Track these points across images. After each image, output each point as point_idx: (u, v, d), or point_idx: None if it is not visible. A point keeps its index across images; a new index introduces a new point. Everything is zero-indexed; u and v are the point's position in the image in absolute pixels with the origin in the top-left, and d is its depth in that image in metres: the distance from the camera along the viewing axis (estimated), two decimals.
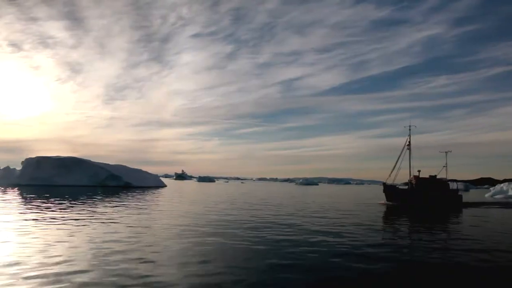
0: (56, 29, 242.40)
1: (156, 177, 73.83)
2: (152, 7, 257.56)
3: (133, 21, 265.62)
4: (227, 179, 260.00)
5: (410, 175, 39.92)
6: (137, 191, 46.24)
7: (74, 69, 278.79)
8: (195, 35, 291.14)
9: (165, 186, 71.70)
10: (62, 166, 54.31)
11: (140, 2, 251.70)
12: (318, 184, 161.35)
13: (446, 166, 43.62)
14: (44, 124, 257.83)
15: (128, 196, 36.40)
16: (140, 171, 68.85)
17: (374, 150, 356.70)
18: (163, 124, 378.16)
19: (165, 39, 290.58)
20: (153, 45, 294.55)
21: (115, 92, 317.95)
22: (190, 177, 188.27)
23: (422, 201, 36.90)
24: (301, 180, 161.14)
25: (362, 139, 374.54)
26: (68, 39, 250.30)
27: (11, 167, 53.95)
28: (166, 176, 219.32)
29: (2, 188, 40.31)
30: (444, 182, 40.61)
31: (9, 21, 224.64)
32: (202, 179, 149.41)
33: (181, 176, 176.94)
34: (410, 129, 40.81)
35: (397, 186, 40.37)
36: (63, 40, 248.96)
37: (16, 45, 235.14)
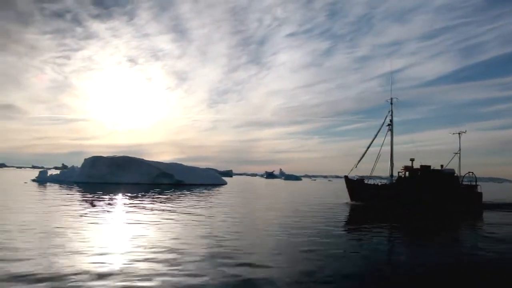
0: (164, 42, 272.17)
1: (213, 174, 72.95)
2: (248, 11, 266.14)
3: (231, 27, 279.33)
4: (324, 177, 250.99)
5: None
6: (190, 189, 45.35)
7: (181, 77, 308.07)
8: (291, 34, 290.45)
9: (225, 183, 70.28)
10: (115, 164, 57.17)
11: (236, 8, 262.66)
12: None
13: (460, 153, 31.69)
14: (158, 129, 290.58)
15: (181, 194, 36.22)
16: (196, 169, 68.74)
17: (492, 143, 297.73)
18: (263, 124, 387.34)
19: (262, 41, 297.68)
20: (251, 48, 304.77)
21: (218, 96, 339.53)
22: (282, 176, 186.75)
23: (411, 201, 27.81)
24: None
25: (477, 131, 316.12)
26: (175, 50, 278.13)
27: (75, 166, 59.25)
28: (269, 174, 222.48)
29: (65, 185, 44.79)
30: (449, 175, 29.76)
31: (126, 40, 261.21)
32: (288, 177, 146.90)
33: (271, 175, 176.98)
34: (391, 102, 31.85)
35: (364, 179, 30.96)
36: (170, 51, 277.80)
37: (132, 60, 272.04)
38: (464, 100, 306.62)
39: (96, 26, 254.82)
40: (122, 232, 13.65)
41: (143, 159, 61.15)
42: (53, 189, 37.52)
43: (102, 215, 18.00)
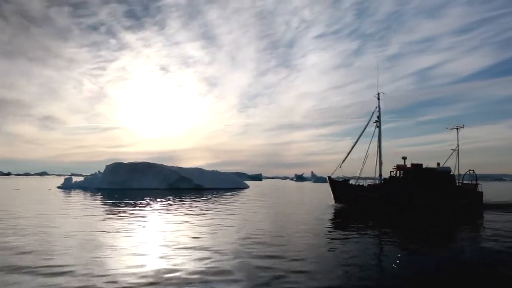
0: (194, 49, 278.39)
1: (234, 178, 72.37)
2: (275, 14, 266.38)
3: (259, 31, 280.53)
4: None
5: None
6: (206, 194, 45.18)
7: (211, 83, 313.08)
8: (319, 36, 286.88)
9: (246, 187, 69.64)
10: (134, 170, 58.09)
11: (263, 12, 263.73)
12: None
13: (458, 150, 29.45)
14: (190, 135, 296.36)
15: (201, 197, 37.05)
16: (216, 173, 68.54)
17: None
18: (294, 127, 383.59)
19: (290, 44, 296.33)
20: (279, 51, 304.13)
21: (248, 100, 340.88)
22: (312, 178, 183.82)
23: (399, 202, 26.01)
24: None
25: None
26: (205, 57, 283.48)
27: (98, 173, 60.84)
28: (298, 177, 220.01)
29: (88, 192, 46.29)
30: (444, 174, 27.60)
31: (158, 49, 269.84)
32: (318, 179, 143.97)
33: (301, 178, 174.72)
34: (378, 97, 29.61)
35: (349, 179, 28.97)
36: (200, 58, 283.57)
37: (164, 68, 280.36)
38: (502, 96, 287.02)
39: (129, 37, 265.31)
40: (164, 236, 13.77)
41: (162, 165, 61.76)
42: (78, 196, 38.43)
43: (136, 221, 18.11)
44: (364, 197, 27.09)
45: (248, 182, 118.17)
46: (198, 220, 18.47)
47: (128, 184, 56.45)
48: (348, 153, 29.27)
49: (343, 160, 28.84)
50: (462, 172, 29.47)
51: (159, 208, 25.43)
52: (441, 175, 27.57)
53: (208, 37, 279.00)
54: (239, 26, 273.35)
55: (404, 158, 28.38)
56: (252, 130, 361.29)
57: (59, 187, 56.45)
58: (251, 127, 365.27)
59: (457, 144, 29.79)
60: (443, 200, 26.19)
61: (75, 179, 65.81)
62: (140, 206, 26.20)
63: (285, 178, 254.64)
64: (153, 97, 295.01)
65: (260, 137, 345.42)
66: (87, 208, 24.51)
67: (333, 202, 28.89)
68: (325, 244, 12.57)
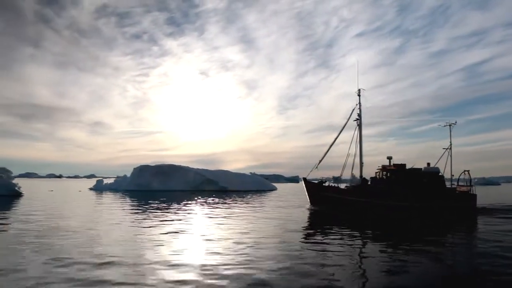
0: (233, 53, 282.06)
1: (260, 180, 71.12)
2: (314, 15, 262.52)
3: (297, 32, 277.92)
4: None
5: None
6: (230, 195, 45.10)
7: (250, 86, 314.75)
8: (359, 34, 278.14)
9: (274, 189, 68.25)
10: (160, 173, 58.94)
11: (302, 13, 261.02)
12: (500, 184, 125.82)
13: (450, 149, 27.52)
14: (230, 137, 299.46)
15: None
16: (242, 175, 67.75)
17: None
18: (334, 128, 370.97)
19: (330, 44, 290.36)
20: (318, 52, 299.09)
21: (288, 102, 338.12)
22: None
23: (379, 205, 23.91)
24: (476, 180, 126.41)
25: None
26: (243, 60, 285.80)
27: (127, 175, 62.51)
28: (335, 179, 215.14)
29: (118, 193, 48.07)
30: (430, 174, 25.56)
31: (198, 54, 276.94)
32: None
33: (337, 179, 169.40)
34: (359, 94, 28.11)
35: (324, 181, 27.15)
36: (239, 61, 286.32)
37: (204, 73, 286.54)
38: None
39: (170, 43, 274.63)
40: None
41: (188, 167, 62.15)
42: (109, 197, 39.81)
43: (174, 222, 18.40)
44: (339, 200, 25.31)
45: (284, 185, 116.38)
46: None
47: (153, 186, 57.37)
48: (325, 154, 27.69)
49: (320, 161, 27.22)
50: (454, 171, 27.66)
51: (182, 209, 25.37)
52: (428, 176, 25.48)
53: (246, 41, 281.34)
54: (277, 28, 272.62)
55: (389, 158, 26.40)
56: (292, 132, 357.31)
57: (90, 189, 58.72)
58: (290, 129, 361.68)
59: (450, 142, 27.84)
60: (429, 203, 24.11)
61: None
62: (167, 208, 26.27)
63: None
64: (193, 101, 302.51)
65: (300, 139, 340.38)
66: (122, 209, 25.74)
67: (309, 205, 27.25)
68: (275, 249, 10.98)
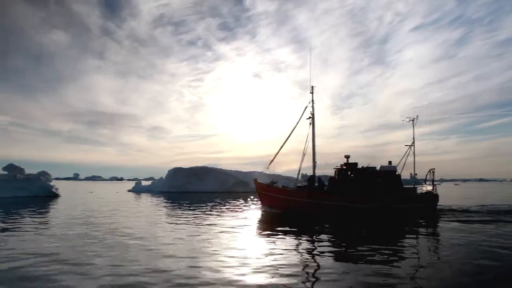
0: (285, 54, 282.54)
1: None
2: (367, 11, 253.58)
3: (350, 30, 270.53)
4: (464, 180, 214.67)
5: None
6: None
7: (303, 86, 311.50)
8: (416, 28, 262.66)
9: None
10: (193, 174, 59.97)
11: (354, 10, 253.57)
12: None
13: (414, 145, 26.37)
14: (284, 139, 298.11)
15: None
16: (276, 176, 66.45)
17: None
18: (391, 127, 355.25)
19: (384, 40, 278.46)
20: (373, 49, 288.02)
21: (342, 102, 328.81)
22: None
23: (325, 206, 22.42)
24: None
25: None
26: (296, 61, 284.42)
27: (163, 178, 64.49)
28: None
29: (155, 195, 50.33)
30: (385, 173, 23.91)
31: (250, 57, 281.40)
32: (407, 182, 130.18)
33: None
34: (312, 91, 27.30)
35: (275, 181, 25.67)
36: (292, 62, 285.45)
37: (257, 75, 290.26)
38: None
39: (223, 48, 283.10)
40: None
41: (220, 169, 62.51)
42: (146, 199, 41.56)
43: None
44: (285, 200, 23.82)
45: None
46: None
47: (186, 187, 58.55)
48: (277, 153, 26.06)
49: (271, 161, 25.56)
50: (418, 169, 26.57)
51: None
52: (382, 175, 23.93)
53: (298, 41, 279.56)
54: (329, 26, 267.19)
55: (347, 157, 24.97)
56: (347, 132, 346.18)
57: (129, 190, 61.63)
58: (345, 128, 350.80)
59: (413, 138, 26.35)
60: (381, 203, 22.59)
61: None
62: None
63: None
64: (247, 103, 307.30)
65: (356, 139, 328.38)
66: (169, 210, 27.12)
67: (259, 206, 26.40)
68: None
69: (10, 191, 38.91)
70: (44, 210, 25.85)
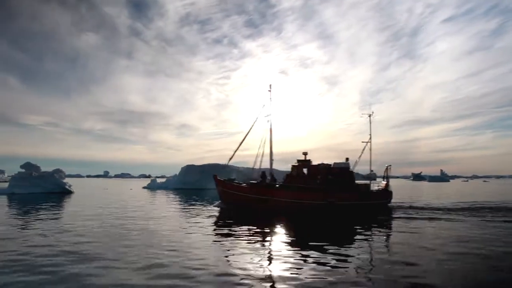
0: (311, 50, 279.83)
1: None
2: (395, 3, 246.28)
3: (378, 23, 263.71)
4: (498, 177, 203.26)
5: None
6: None
7: (331, 82, 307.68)
8: (448, 19, 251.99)
9: None
10: (204, 171, 60.70)
11: (382, 2, 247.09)
12: None
13: (370, 142, 26.36)
14: (313, 135, 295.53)
15: None
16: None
17: None
18: (422, 122, 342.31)
19: (414, 33, 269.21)
20: (402, 42, 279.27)
21: (370, 97, 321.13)
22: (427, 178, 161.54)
23: (272, 202, 22.58)
24: None
25: None
26: (323, 56, 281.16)
27: (177, 175, 65.71)
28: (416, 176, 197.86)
29: (170, 191, 52.60)
30: (338, 170, 23.82)
31: (276, 53, 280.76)
32: (433, 178, 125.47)
33: (418, 176, 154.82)
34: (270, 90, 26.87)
35: (234, 178, 26.69)
36: (318, 58, 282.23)
37: (284, 72, 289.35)
38: None
39: (249, 45, 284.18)
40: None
41: (232, 166, 62.76)
42: (162, 195, 43.05)
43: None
44: (239, 196, 24.07)
45: (359, 183, 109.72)
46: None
47: (199, 184, 59.43)
48: (235, 150, 26.25)
49: (230, 158, 26.03)
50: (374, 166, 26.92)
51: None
52: (334, 172, 23.83)
53: (325, 36, 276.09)
54: (356, 21, 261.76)
55: (305, 154, 24.71)
56: (376, 127, 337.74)
57: (144, 187, 63.35)
58: (374, 124, 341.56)
59: (370, 135, 26.25)
60: (331, 199, 22.61)
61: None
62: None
63: (406, 177, 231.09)
64: (274, 100, 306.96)
65: (385, 135, 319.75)
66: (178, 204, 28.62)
67: (218, 202, 26.88)
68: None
69: (26, 188, 41.07)
70: (50, 205, 27.09)
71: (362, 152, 26.19)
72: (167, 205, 28.97)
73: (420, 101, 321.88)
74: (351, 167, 24.82)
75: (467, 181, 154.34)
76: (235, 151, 26.07)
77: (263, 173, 25.39)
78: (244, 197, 23.77)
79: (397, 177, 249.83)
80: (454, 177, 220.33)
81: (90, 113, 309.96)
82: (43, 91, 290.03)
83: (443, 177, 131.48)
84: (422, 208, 24.30)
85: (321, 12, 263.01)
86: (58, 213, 21.82)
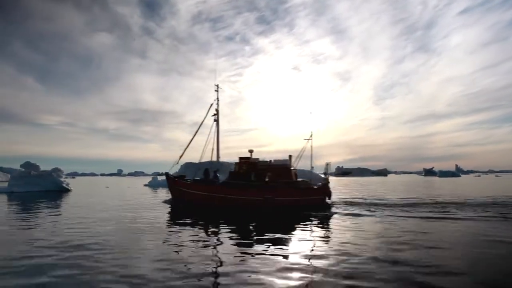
0: (324, 45, 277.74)
1: (306, 174, 68.06)
2: None
3: (392, 17, 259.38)
4: (508, 172, 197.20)
5: None
6: None
7: (344, 77, 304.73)
8: (464, 11, 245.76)
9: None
10: (201, 169, 61.33)
11: None
12: None
13: (311, 139, 26.97)
14: (326, 131, 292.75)
15: None
16: None
17: None
18: (437, 116, 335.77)
19: (429, 25, 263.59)
20: (416, 35, 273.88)
21: (384, 92, 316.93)
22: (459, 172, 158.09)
23: (212, 200, 23.53)
24: None
25: None
26: (335, 52, 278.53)
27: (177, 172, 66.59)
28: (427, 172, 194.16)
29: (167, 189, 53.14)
30: (278, 168, 24.46)
31: (289, 49, 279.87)
32: (443, 174, 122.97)
33: (430, 172, 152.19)
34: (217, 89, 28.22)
35: (184, 175, 27.43)
36: (331, 53, 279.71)
37: (296, 68, 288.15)
38: None
39: (261, 42, 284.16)
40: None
41: (230, 163, 63.34)
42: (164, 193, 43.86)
43: None
44: (185, 193, 25.18)
45: (370, 179, 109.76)
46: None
47: None
48: (185, 149, 27.55)
49: (180, 156, 26.99)
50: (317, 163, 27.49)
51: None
52: (273, 169, 24.35)
53: (337, 31, 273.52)
54: (369, 14, 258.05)
55: (251, 151, 25.42)
56: (390, 123, 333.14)
57: (145, 185, 64.58)
58: (388, 119, 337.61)
59: (311, 132, 26.94)
60: (267, 196, 23.14)
61: None
62: None
63: (418, 172, 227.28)
64: (286, 96, 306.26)
65: (399, 130, 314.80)
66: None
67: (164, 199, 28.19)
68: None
69: (24, 187, 42.61)
70: (41, 203, 28.19)
71: (302, 150, 26.93)
72: (146, 201, 29.77)
73: (435, 95, 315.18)
74: (293, 165, 25.83)
75: (479, 176, 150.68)
76: (185, 150, 27.63)
77: (206, 170, 26.67)
78: (188, 194, 25.03)
79: (411, 173, 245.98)
80: (469, 172, 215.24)
81: (104, 112, 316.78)
82: (58, 91, 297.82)
83: (454, 172, 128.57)
84: (359, 204, 24.76)
85: (333, 7, 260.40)
86: (35, 211, 22.69)
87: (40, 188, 43.34)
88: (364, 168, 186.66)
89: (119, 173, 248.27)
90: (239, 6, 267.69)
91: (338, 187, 50.17)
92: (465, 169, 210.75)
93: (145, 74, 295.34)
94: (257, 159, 25.47)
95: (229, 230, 14.90)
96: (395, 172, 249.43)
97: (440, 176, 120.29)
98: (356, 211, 20.71)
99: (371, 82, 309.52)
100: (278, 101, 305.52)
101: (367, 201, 27.12)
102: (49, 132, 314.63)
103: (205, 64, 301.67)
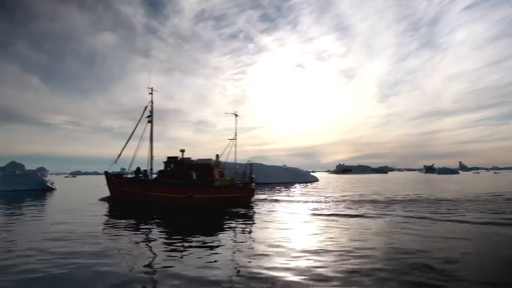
0: (328, 42, 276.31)
1: (299, 172, 67.71)
2: None
3: (396, 13, 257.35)
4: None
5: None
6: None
7: (348, 75, 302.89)
8: (469, 6, 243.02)
9: (315, 181, 65.35)
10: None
11: None
12: None
13: (236, 140, 28.38)
14: (330, 129, 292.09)
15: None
16: (277, 167, 65.64)
17: None
18: (442, 113, 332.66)
19: (434, 22, 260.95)
20: (421, 32, 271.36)
21: (388, 89, 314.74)
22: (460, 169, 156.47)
23: (139, 197, 24.67)
24: None
25: None
26: (339, 49, 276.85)
27: None
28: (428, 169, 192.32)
29: None
30: (197, 166, 25.42)
31: (292, 47, 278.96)
32: (442, 171, 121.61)
33: (430, 169, 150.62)
34: (151, 92, 28.08)
35: (125, 173, 28.38)
36: (335, 51, 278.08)
37: (300, 65, 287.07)
38: None
39: (265, 39, 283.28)
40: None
41: (230, 163, 63.03)
42: None
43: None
44: (119, 191, 26.39)
45: (370, 176, 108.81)
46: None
47: None
48: (122, 149, 28.04)
49: (118, 157, 27.82)
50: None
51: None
52: (196, 168, 25.25)
53: (341, 29, 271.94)
54: (373, 11, 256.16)
55: (182, 151, 26.27)
56: (394, 120, 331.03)
57: None
58: (393, 117, 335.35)
59: (235, 133, 27.89)
60: (187, 193, 23.68)
61: None
62: None
63: (420, 169, 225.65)
64: (291, 94, 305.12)
65: (404, 127, 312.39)
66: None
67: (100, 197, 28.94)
68: None
69: (10, 185, 42.52)
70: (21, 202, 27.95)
71: (226, 148, 27.89)
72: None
73: (440, 92, 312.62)
74: (220, 163, 27.17)
75: (478, 173, 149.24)
76: (122, 151, 28.01)
77: (137, 168, 27.12)
78: (121, 191, 26.21)
79: (414, 170, 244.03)
80: (472, 169, 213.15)
81: (109, 111, 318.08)
82: (64, 91, 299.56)
83: (453, 170, 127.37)
84: (279, 201, 25.75)
85: (337, 4, 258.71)
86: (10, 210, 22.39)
87: (25, 187, 43.24)
88: (364, 166, 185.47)
89: (122, 172, 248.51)
90: (243, 3, 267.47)
91: (313, 186, 49.37)
92: (469, 166, 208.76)
93: (149, 72, 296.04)
94: (189, 158, 26.41)
95: (147, 228, 14.50)
96: (399, 170, 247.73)
97: (439, 173, 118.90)
98: (275, 208, 21.18)
99: (375, 79, 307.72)
100: (282, 99, 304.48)
101: (292, 199, 27.76)
102: (55, 131, 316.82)
103: (209, 62, 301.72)
